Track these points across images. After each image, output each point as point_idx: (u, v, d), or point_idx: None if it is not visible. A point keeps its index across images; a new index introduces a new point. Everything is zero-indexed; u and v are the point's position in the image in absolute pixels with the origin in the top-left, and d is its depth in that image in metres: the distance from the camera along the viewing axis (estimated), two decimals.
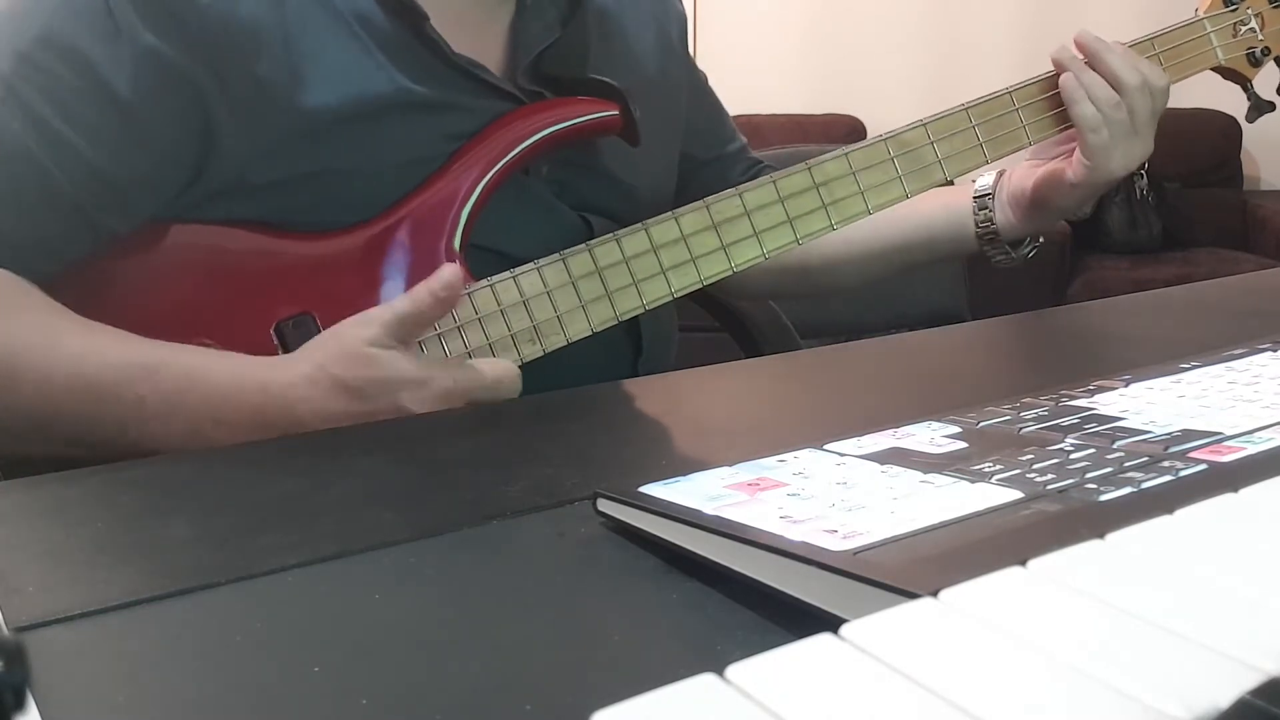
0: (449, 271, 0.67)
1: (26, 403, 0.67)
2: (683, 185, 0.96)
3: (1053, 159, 0.89)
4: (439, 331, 0.74)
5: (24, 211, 0.69)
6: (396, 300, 0.68)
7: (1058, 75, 0.86)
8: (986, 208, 0.91)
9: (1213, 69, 0.93)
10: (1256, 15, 0.92)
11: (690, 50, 1.01)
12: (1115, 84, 0.83)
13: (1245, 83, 0.94)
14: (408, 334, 0.67)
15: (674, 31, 0.96)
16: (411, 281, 0.75)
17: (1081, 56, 0.85)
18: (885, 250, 0.97)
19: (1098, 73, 0.84)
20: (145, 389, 0.66)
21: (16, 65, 0.69)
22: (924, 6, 3.73)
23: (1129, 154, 0.85)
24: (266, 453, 0.58)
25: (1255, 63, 0.93)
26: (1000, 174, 0.92)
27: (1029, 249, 0.94)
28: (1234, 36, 0.92)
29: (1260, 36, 0.92)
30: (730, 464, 0.41)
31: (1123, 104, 0.83)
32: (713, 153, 1.01)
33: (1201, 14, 0.92)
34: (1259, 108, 0.95)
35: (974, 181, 0.93)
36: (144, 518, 0.45)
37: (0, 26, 0.70)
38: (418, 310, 0.67)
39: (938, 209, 0.93)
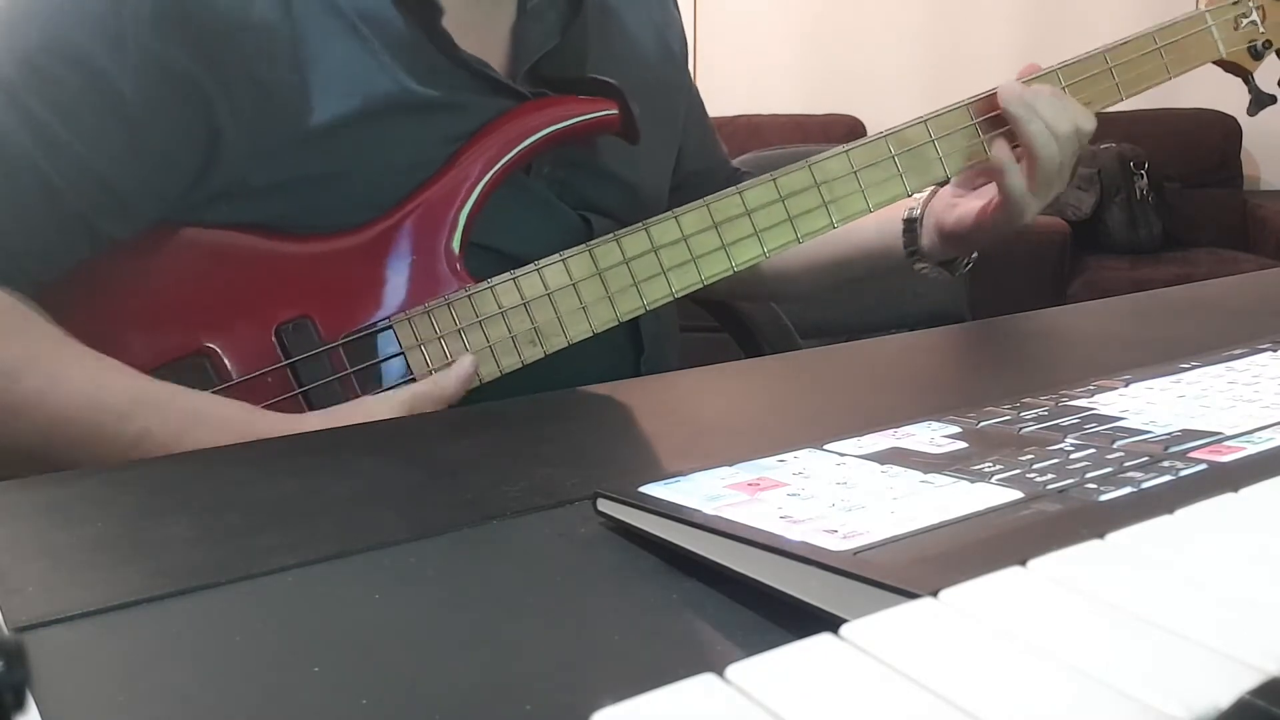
0: (467, 359, 0.73)
1: (27, 430, 0.66)
2: (673, 190, 0.97)
3: (972, 192, 0.89)
4: (440, 335, 0.74)
5: (25, 218, 0.69)
6: (415, 385, 0.73)
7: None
8: (913, 231, 0.93)
9: (1214, 62, 0.93)
10: (1258, 8, 0.92)
11: (690, 52, 1.02)
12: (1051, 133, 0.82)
13: (1246, 76, 0.94)
14: (420, 410, 0.71)
15: (673, 41, 0.97)
16: (411, 281, 0.75)
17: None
18: (827, 265, 1.00)
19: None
20: (149, 422, 0.66)
21: (21, 70, 0.68)
22: (924, 6, 3.73)
23: (1043, 201, 0.86)
24: (266, 453, 0.58)
25: (1256, 56, 0.93)
26: (929, 196, 0.92)
27: (964, 264, 0.95)
28: (1235, 30, 0.92)
29: (1262, 29, 0.92)
30: (730, 464, 0.41)
31: (1057, 156, 0.83)
32: (703, 164, 1.03)
33: (1203, 7, 0.92)
34: (1260, 101, 0.95)
35: (909, 207, 0.93)
36: (144, 518, 0.45)
37: (4, 31, 0.70)
38: (437, 390, 0.72)
39: (872, 230, 0.95)
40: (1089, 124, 0.84)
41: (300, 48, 0.71)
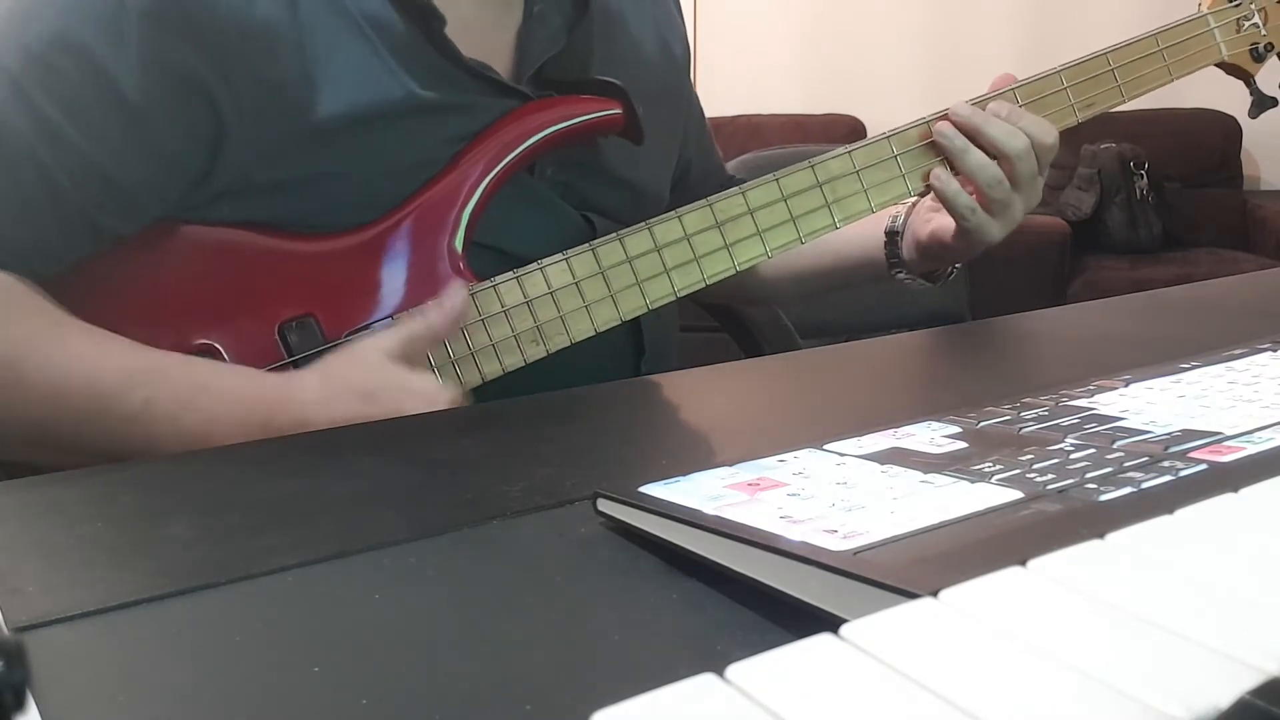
0: (458, 291, 0.72)
1: (32, 407, 0.67)
2: (670, 194, 0.97)
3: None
4: None
5: (28, 213, 0.69)
6: (404, 318, 0.72)
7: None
8: (895, 244, 0.93)
9: (1216, 65, 0.93)
10: (1260, 10, 0.92)
11: (690, 53, 1.02)
12: (999, 154, 0.82)
13: (1248, 78, 0.94)
14: (415, 351, 0.71)
15: (676, 45, 0.96)
16: (414, 281, 0.75)
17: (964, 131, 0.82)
18: (810, 273, 1.01)
19: (980, 145, 0.82)
20: (153, 392, 0.67)
21: (26, 64, 0.68)
22: (924, 6, 3.73)
23: (1009, 221, 0.85)
24: (266, 453, 0.58)
25: (1258, 58, 0.93)
26: (911, 208, 0.92)
27: (947, 274, 0.94)
28: (1237, 32, 0.92)
29: (1263, 32, 0.92)
30: (730, 464, 0.41)
31: (1004, 182, 0.82)
32: (702, 168, 1.03)
33: (1205, 9, 0.92)
34: (1261, 103, 0.95)
35: (892, 217, 0.93)
36: (144, 518, 0.45)
37: (9, 24, 0.70)
38: (427, 328, 0.71)
39: (854, 242, 0.95)
40: (1048, 137, 0.83)
41: (306, 47, 0.71)
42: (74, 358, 0.67)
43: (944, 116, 0.84)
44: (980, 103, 0.84)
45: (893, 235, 0.92)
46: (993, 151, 0.82)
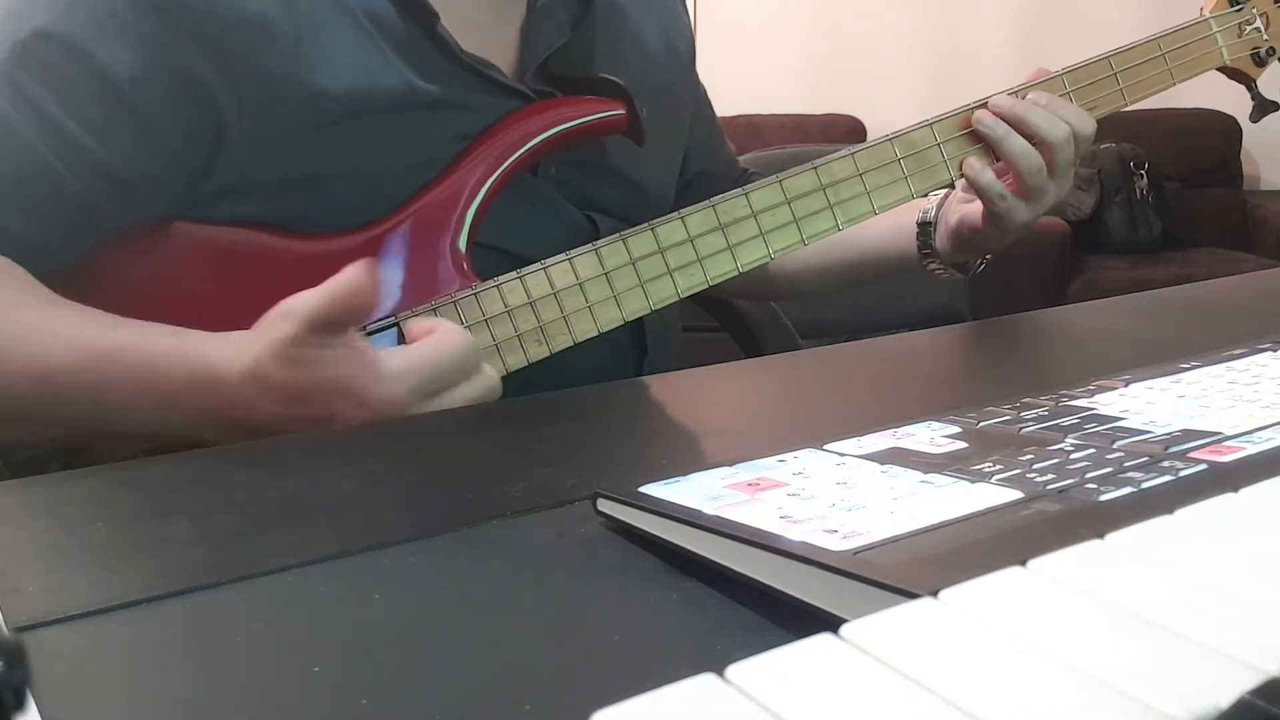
0: (354, 270, 0.60)
1: None
2: (679, 191, 0.97)
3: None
4: None
5: (31, 209, 0.69)
6: (314, 293, 0.60)
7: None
8: (928, 234, 0.93)
9: (1218, 69, 0.93)
10: (1261, 15, 0.92)
11: (695, 49, 1.02)
12: (1040, 141, 0.83)
13: (1250, 83, 0.94)
14: (336, 327, 0.61)
15: (680, 42, 0.96)
16: (417, 281, 0.75)
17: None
18: (840, 266, 1.01)
19: (1022, 133, 0.83)
20: (102, 376, 0.64)
21: (20, 59, 0.68)
22: (924, 6, 3.73)
23: (1040, 207, 0.86)
24: (266, 453, 0.58)
25: (1260, 63, 0.93)
26: (943, 199, 0.93)
27: (978, 265, 0.95)
28: (1239, 36, 0.92)
29: (1265, 36, 0.92)
30: (730, 464, 0.41)
31: (1042, 169, 0.83)
32: (711, 164, 1.03)
33: (1207, 14, 0.92)
34: (1263, 108, 0.95)
35: (924, 210, 0.94)
36: (144, 518, 0.45)
37: (2, 20, 0.70)
38: (341, 305, 0.60)
39: (887, 231, 0.95)
40: (1087, 127, 0.84)
41: (304, 41, 0.71)
42: (22, 336, 0.65)
43: (982, 106, 0.84)
44: (1019, 93, 0.85)
45: (925, 226, 0.93)
46: (1034, 139, 0.83)
